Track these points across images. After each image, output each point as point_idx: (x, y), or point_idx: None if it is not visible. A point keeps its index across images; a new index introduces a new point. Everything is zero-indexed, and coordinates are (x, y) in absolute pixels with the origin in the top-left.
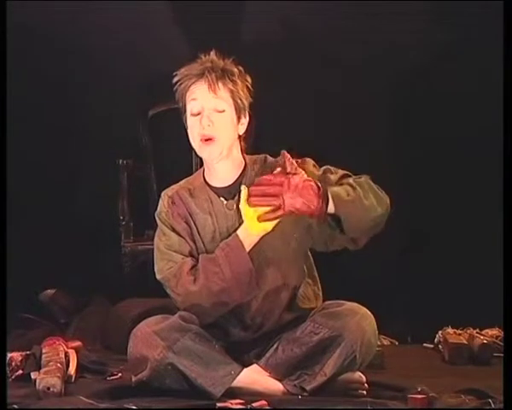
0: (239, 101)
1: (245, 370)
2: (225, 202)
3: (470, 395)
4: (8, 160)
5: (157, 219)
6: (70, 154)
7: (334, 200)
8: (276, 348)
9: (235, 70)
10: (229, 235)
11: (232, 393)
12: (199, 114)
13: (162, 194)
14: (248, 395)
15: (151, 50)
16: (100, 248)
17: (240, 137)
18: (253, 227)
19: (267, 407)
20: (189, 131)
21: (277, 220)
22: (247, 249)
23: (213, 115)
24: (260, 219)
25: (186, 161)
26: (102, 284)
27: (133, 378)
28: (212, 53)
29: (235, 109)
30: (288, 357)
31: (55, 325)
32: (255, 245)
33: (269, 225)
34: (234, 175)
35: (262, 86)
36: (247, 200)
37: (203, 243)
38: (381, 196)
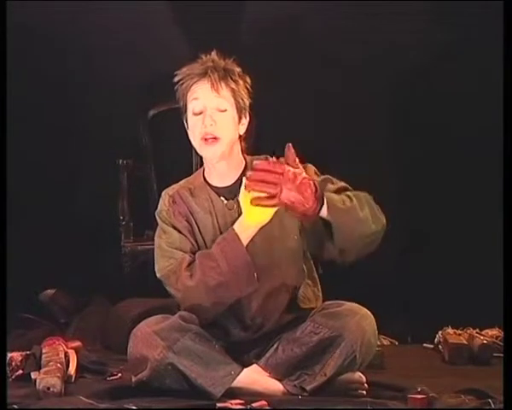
0: (240, 101)
1: (245, 370)
2: (225, 201)
3: (470, 395)
4: (8, 160)
5: (157, 217)
6: (70, 154)
7: (328, 204)
8: (276, 348)
9: (237, 70)
10: None
11: (232, 393)
12: (201, 113)
13: (163, 193)
14: (248, 396)
15: (151, 50)
16: (100, 248)
17: (240, 137)
18: (249, 215)
19: (267, 407)
20: (189, 130)
21: (273, 211)
22: (244, 243)
23: (216, 115)
24: (253, 202)
25: (186, 161)
26: (102, 284)
27: (133, 378)
28: (214, 53)
29: (237, 109)
30: (288, 357)
31: (55, 325)
32: (255, 245)
33: (265, 217)
34: (234, 175)
35: (262, 86)
36: (246, 184)
37: (204, 241)
38: (378, 215)
